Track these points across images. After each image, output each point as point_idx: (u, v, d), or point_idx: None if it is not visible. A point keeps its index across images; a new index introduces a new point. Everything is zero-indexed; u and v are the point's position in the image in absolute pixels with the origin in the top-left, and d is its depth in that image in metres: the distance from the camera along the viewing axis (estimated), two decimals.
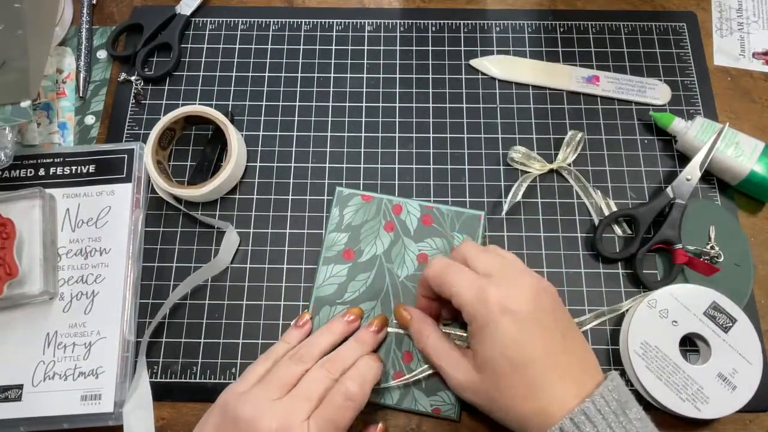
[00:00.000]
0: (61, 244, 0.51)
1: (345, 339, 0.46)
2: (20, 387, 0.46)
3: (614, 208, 0.53)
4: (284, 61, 0.59)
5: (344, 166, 0.55)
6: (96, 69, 0.60)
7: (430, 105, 0.57)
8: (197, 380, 0.48)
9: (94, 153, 0.54)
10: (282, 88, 0.58)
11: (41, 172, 0.53)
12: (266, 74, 0.59)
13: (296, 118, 0.57)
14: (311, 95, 0.58)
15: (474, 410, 0.47)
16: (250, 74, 0.59)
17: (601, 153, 0.55)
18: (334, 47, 0.60)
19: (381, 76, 0.59)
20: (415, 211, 0.51)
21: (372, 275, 0.49)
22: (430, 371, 0.45)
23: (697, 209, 0.52)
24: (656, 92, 0.57)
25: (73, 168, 0.53)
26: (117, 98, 0.58)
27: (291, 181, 0.55)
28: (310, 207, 0.54)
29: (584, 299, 0.50)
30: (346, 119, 0.57)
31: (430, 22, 0.61)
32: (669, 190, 0.52)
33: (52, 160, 0.53)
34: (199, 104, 0.55)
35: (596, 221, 0.52)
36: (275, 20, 0.61)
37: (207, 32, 0.61)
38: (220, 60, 0.60)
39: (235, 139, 0.52)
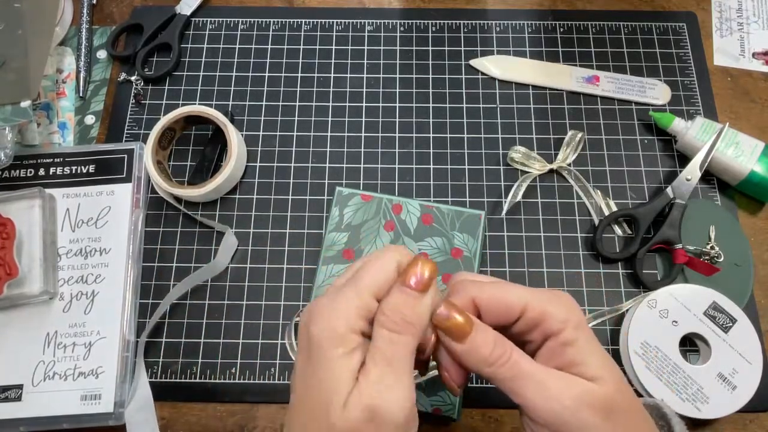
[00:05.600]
0: (61, 244, 0.51)
1: None
2: (20, 387, 0.46)
3: (614, 208, 0.53)
4: (284, 61, 0.59)
5: (344, 166, 0.55)
6: (96, 69, 0.60)
7: (430, 105, 0.57)
8: (197, 380, 0.48)
9: (94, 153, 0.54)
10: (282, 88, 0.58)
11: (41, 172, 0.53)
12: (266, 74, 0.59)
13: (296, 118, 0.57)
14: (311, 95, 0.58)
15: (474, 410, 0.47)
16: (250, 74, 0.59)
17: (601, 153, 0.55)
18: (334, 47, 0.60)
19: (381, 76, 0.59)
20: (415, 211, 0.51)
21: None
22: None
23: (697, 209, 0.52)
24: (656, 92, 0.57)
25: (73, 168, 0.53)
26: (117, 98, 0.58)
27: (291, 181, 0.55)
28: (310, 207, 0.54)
29: (584, 299, 0.50)
30: (346, 119, 0.57)
31: (430, 22, 0.61)
32: (669, 190, 0.52)
33: (52, 160, 0.53)
34: (199, 104, 0.55)
35: (596, 221, 0.52)
36: (275, 20, 0.61)
37: (207, 32, 0.61)
38: (220, 60, 0.60)
39: (235, 139, 0.52)
